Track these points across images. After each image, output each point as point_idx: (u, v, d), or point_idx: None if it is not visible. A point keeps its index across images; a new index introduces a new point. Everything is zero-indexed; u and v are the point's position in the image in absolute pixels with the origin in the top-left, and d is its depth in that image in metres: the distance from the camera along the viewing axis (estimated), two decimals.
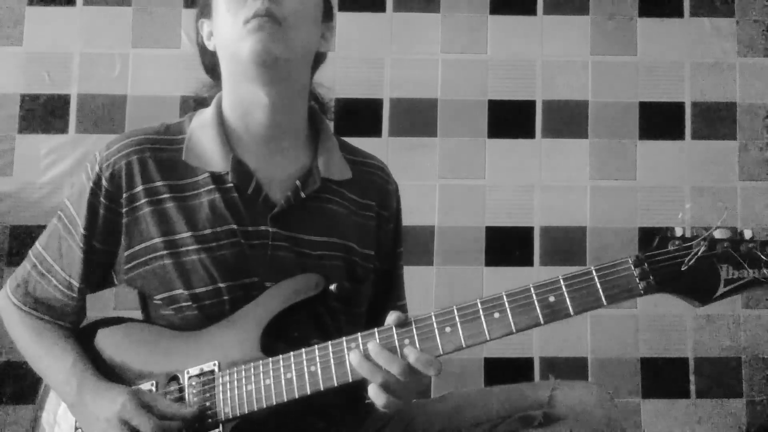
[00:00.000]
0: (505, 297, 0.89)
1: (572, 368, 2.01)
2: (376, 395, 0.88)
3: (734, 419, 2.01)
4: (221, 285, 1.01)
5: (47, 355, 1.05)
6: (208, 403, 0.96)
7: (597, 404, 0.96)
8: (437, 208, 2.05)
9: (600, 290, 0.87)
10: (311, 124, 1.15)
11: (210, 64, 1.14)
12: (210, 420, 0.96)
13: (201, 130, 1.08)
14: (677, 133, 2.10)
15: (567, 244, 2.05)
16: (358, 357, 0.89)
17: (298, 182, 1.06)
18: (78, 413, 1.01)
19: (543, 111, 2.09)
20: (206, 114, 1.10)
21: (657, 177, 2.08)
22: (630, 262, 0.87)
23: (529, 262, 2.05)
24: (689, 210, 0.92)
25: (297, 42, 1.02)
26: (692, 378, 2.02)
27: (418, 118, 2.07)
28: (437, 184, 2.06)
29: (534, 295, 0.88)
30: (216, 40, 1.07)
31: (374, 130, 2.06)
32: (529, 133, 2.09)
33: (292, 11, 1.00)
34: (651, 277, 0.87)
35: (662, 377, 2.02)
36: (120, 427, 0.93)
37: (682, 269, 0.86)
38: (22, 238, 1.97)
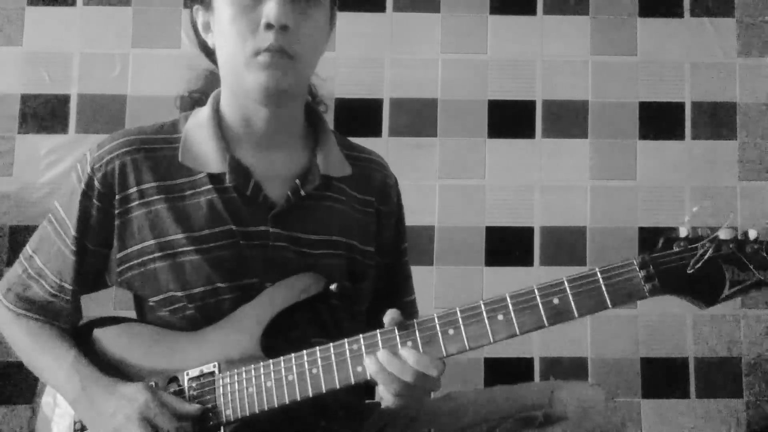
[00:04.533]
0: (508, 298, 0.88)
1: (572, 368, 2.00)
2: (386, 400, 0.89)
3: (734, 419, 2.01)
4: (219, 286, 1.00)
5: (45, 354, 1.03)
6: (210, 405, 0.95)
7: (597, 405, 0.95)
8: (437, 208, 2.05)
9: (605, 292, 0.86)
10: (308, 119, 1.14)
11: (207, 49, 1.09)
12: (211, 422, 0.95)
13: (197, 130, 1.06)
14: (677, 133, 2.10)
15: (567, 244, 2.05)
16: (375, 366, 0.88)
17: (297, 181, 1.05)
18: (83, 410, 0.99)
19: (543, 111, 2.09)
20: (202, 113, 1.08)
21: (657, 177, 2.08)
22: (635, 264, 0.86)
23: (529, 262, 2.05)
24: (696, 213, 0.91)
25: (307, 73, 1.02)
26: (692, 378, 2.02)
27: (418, 118, 2.07)
28: (437, 184, 2.06)
29: (538, 297, 0.87)
30: (216, 42, 1.04)
31: (374, 130, 2.06)
32: (529, 133, 2.08)
33: (305, 44, 0.98)
34: (656, 280, 0.85)
35: (662, 377, 2.02)
36: (141, 425, 0.91)
37: (688, 272, 0.85)
38: (22, 238, 1.96)
